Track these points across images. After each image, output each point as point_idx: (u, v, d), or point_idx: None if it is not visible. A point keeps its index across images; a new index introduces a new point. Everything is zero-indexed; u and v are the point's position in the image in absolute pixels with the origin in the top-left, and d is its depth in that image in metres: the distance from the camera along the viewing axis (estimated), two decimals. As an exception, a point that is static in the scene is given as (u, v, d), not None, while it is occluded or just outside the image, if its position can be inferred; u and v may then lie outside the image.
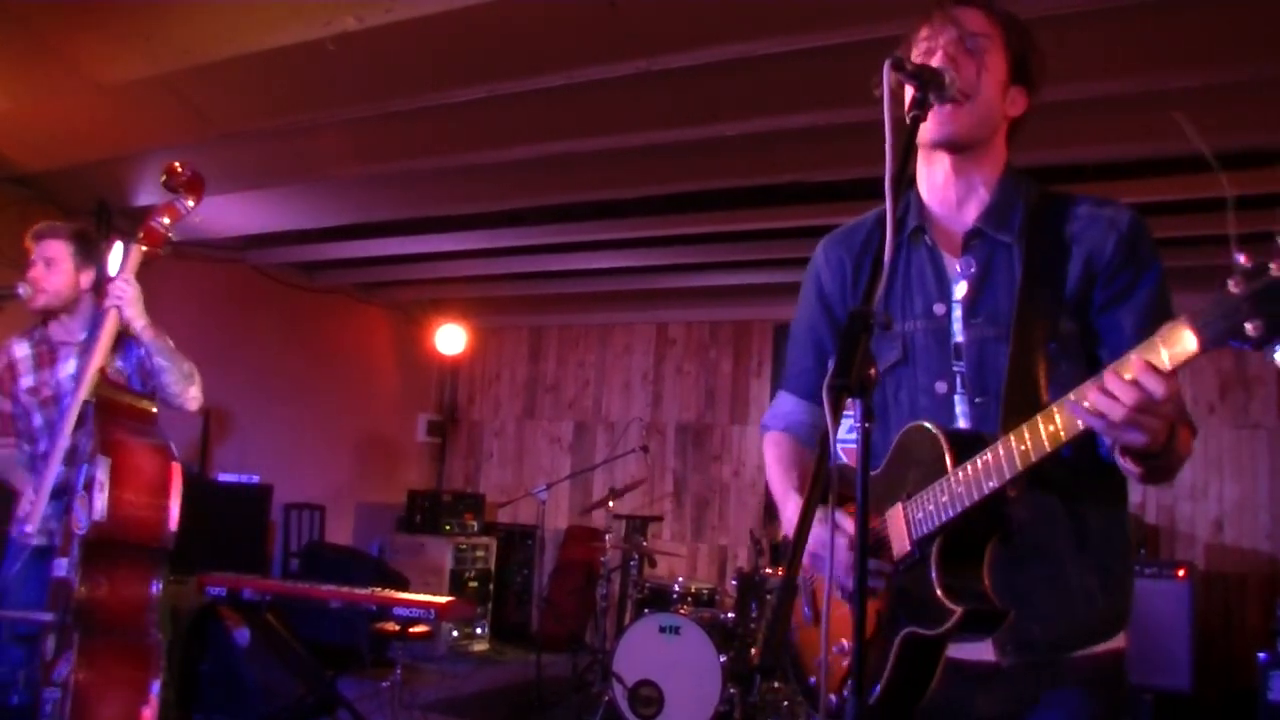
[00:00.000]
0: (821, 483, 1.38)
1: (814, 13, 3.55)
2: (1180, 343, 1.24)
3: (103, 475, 2.81)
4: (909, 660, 1.57)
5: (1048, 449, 1.40)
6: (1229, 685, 5.97)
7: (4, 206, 5.86)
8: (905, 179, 1.50)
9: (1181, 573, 5.67)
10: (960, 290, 1.69)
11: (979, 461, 1.48)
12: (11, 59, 4.29)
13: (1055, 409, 1.40)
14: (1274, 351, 1.14)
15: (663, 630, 5.29)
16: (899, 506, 1.60)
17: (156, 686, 2.83)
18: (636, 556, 6.14)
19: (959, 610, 1.49)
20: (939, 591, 1.52)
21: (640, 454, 7.38)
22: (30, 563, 3.03)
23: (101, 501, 2.79)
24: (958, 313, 1.69)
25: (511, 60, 4.01)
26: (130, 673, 2.82)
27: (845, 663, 1.66)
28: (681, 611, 5.44)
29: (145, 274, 3.19)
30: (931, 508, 1.54)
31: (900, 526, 1.60)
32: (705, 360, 8.59)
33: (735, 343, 8.48)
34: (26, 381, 3.28)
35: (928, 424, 1.59)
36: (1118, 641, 1.65)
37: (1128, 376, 1.28)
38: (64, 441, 2.93)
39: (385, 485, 8.85)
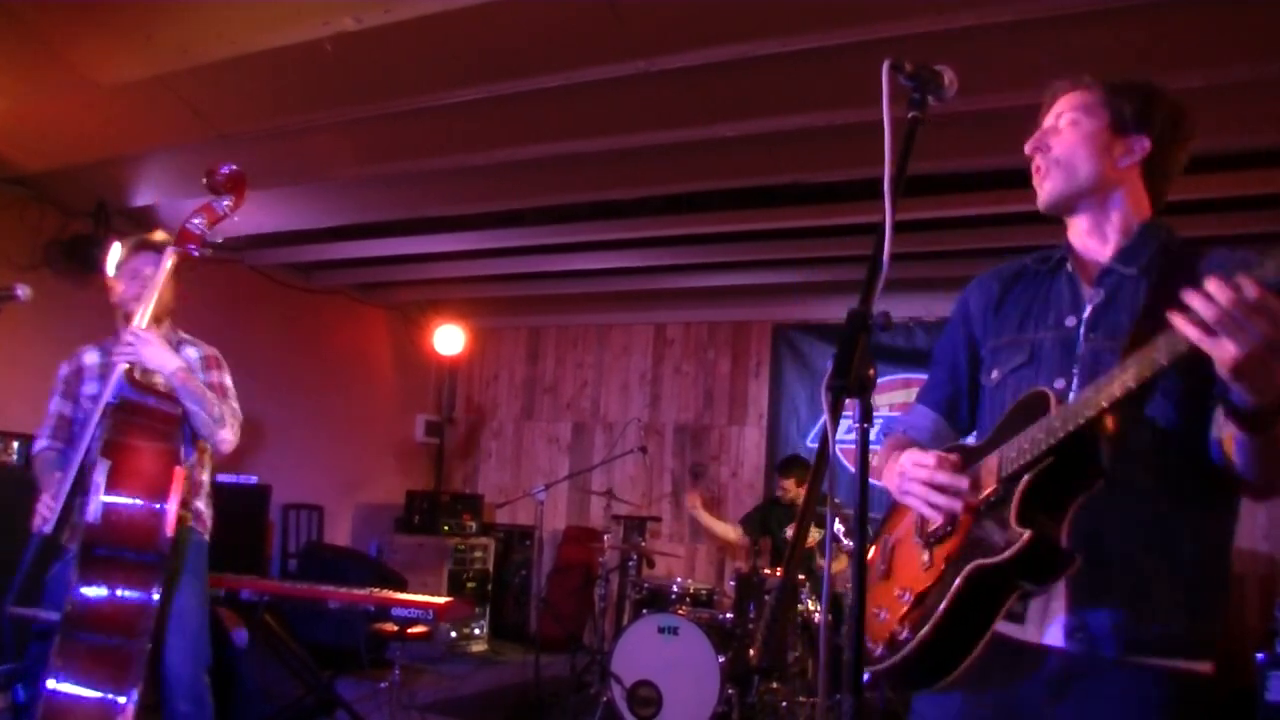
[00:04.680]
0: (821, 477, 1.39)
1: (813, 13, 3.55)
2: None
3: (99, 478, 2.79)
4: (969, 598, 1.57)
5: (1148, 374, 1.41)
6: (1227, 686, 5.97)
7: (3, 207, 5.86)
8: (903, 180, 1.50)
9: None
10: (1088, 311, 1.76)
11: (1080, 396, 1.53)
12: (11, 59, 4.28)
13: (1158, 336, 1.41)
14: None
15: (661, 631, 5.29)
16: (995, 453, 1.65)
17: (134, 696, 2.77)
18: (635, 557, 6.14)
19: (1027, 533, 1.50)
20: (1012, 518, 1.54)
21: (639, 454, 7.38)
22: (65, 564, 3.04)
23: (95, 504, 2.77)
24: (1084, 329, 1.75)
25: (510, 60, 4.01)
26: (105, 679, 2.76)
27: (902, 611, 1.69)
28: (680, 612, 5.44)
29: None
30: (1026, 444, 1.57)
31: (992, 468, 1.64)
32: (703, 361, 8.59)
33: (734, 343, 8.48)
34: (90, 389, 3.29)
35: (1043, 387, 1.65)
36: (1203, 665, 1.62)
37: (1225, 280, 1.31)
38: (85, 444, 2.92)
39: (383, 486, 8.85)
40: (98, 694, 2.75)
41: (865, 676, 1.60)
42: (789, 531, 6.06)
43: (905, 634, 1.63)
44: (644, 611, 5.63)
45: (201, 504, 3.42)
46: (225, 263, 7.41)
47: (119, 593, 2.83)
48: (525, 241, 6.73)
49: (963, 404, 1.92)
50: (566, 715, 5.68)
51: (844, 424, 1.40)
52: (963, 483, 1.65)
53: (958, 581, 1.56)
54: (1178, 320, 1.34)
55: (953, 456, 1.70)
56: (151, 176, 5.71)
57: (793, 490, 6.36)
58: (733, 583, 5.78)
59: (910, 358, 7.42)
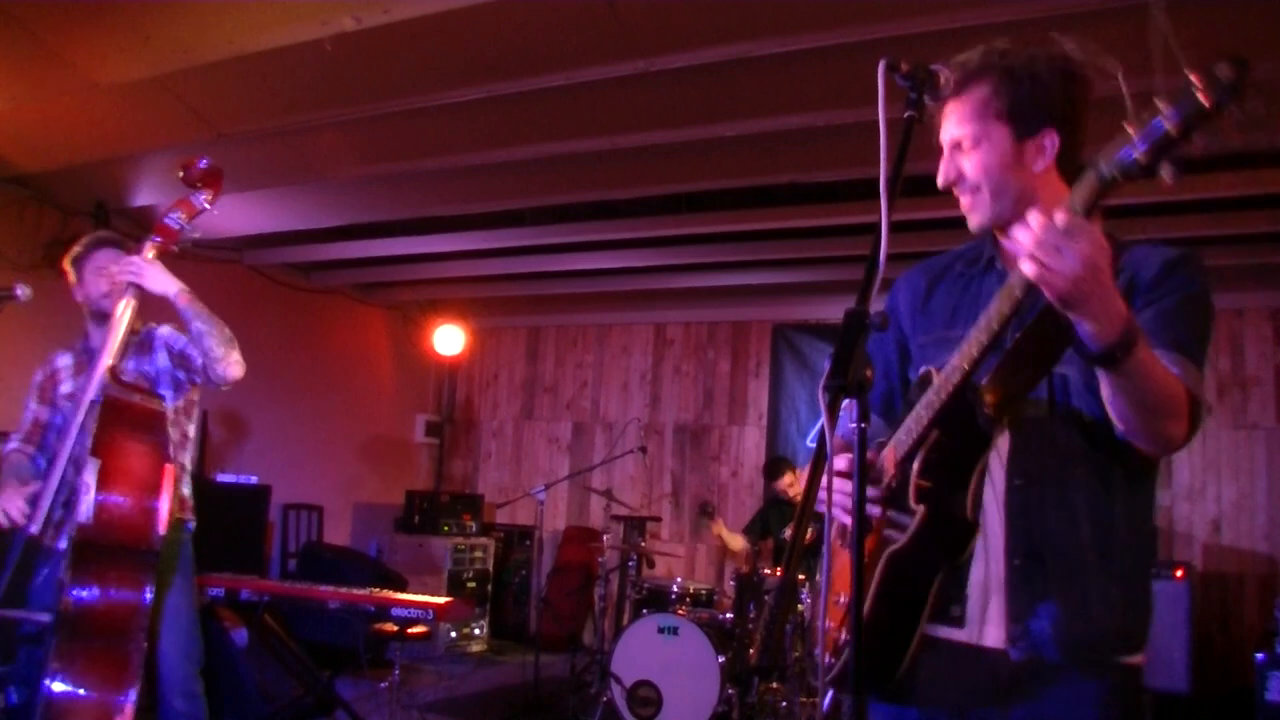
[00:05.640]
0: (819, 477, 1.40)
1: (812, 13, 3.55)
2: (1082, 182, 1.39)
3: (90, 477, 2.78)
4: (892, 587, 1.60)
5: (995, 328, 1.49)
6: (1227, 686, 5.98)
7: (3, 207, 5.87)
8: (900, 181, 1.50)
9: (1179, 573, 5.68)
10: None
11: (947, 365, 1.57)
12: (10, 59, 4.29)
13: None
14: (1161, 171, 1.34)
15: (661, 631, 5.29)
16: (893, 437, 1.67)
17: (133, 695, 2.76)
18: (635, 557, 6.14)
19: (920, 508, 1.55)
20: (910, 498, 1.58)
21: (638, 454, 7.38)
22: (54, 565, 3.04)
23: (87, 504, 2.76)
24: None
25: (510, 60, 4.01)
26: (104, 680, 2.75)
27: (841, 615, 1.72)
28: (680, 612, 5.44)
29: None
30: (912, 424, 1.62)
31: (889, 455, 1.67)
32: (703, 361, 8.59)
33: (733, 343, 8.49)
34: (66, 388, 3.31)
35: (931, 367, 1.67)
36: (1136, 658, 1.65)
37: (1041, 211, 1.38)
38: (70, 444, 2.92)
39: (383, 486, 8.85)
40: (98, 694, 2.74)
41: (828, 696, 1.63)
42: (788, 531, 6.07)
43: (845, 636, 1.64)
44: (644, 611, 5.63)
45: (186, 490, 3.40)
46: (225, 263, 7.42)
47: (113, 592, 2.82)
48: (525, 241, 6.73)
49: (896, 401, 1.90)
50: (566, 715, 5.68)
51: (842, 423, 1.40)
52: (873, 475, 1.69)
53: (878, 573, 1.60)
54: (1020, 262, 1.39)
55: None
56: (151, 176, 5.71)
57: (795, 485, 6.37)
58: (733, 583, 5.78)
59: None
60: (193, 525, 3.40)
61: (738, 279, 7.39)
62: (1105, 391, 1.50)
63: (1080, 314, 1.39)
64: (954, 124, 1.70)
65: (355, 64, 4.02)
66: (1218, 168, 4.67)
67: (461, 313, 9.07)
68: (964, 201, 1.72)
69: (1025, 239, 1.35)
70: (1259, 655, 5.19)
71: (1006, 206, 1.68)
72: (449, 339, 8.90)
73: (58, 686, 2.69)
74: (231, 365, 3.22)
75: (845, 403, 1.36)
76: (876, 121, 1.45)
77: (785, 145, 4.73)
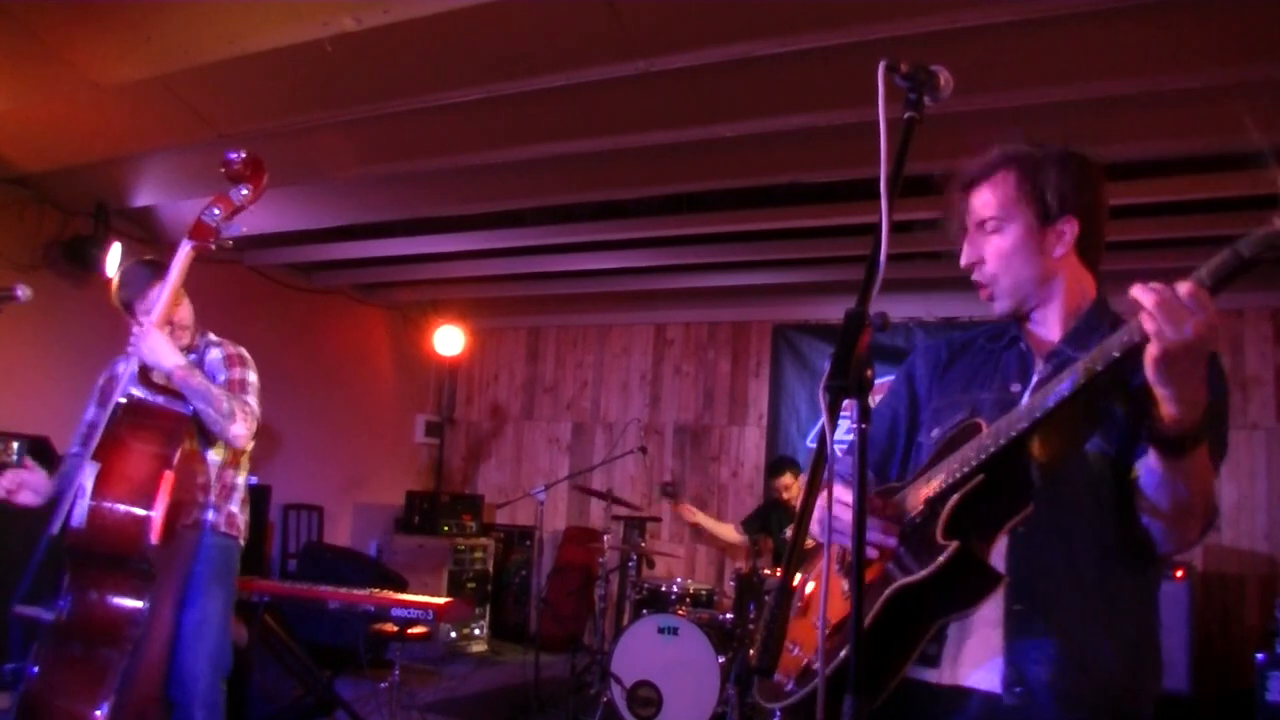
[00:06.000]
0: (819, 483, 1.38)
1: (813, 13, 3.55)
2: (1217, 258, 1.32)
3: (87, 482, 2.74)
4: (888, 623, 1.54)
5: (1081, 379, 1.43)
6: (1227, 686, 5.97)
7: (3, 207, 5.86)
8: (900, 181, 1.50)
9: (1180, 574, 5.67)
10: (1033, 383, 1.74)
11: (1010, 414, 1.53)
12: (11, 59, 4.28)
13: (1109, 337, 1.43)
14: None
15: (661, 631, 5.29)
16: (923, 478, 1.64)
17: (105, 708, 2.67)
18: (635, 557, 6.14)
19: (954, 543, 1.49)
20: (939, 532, 1.53)
21: (638, 455, 7.37)
22: None
23: (81, 508, 2.73)
24: (1026, 396, 1.72)
25: (510, 61, 4.01)
26: (79, 689, 2.69)
27: (818, 643, 1.64)
28: (680, 612, 5.44)
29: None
30: (956, 464, 1.58)
31: (919, 492, 1.63)
32: (703, 361, 8.59)
33: (734, 343, 8.48)
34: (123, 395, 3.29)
35: (979, 419, 1.64)
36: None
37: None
38: (94, 445, 2.88)
39: (383, 486, 8.84)
40: (70, 703, 2.68)
41: (776, 715, 1.57)
42: (789, 532, 6.06)
43: (819, 664, 1.51)
44: (644, 612, 5.63)
45: (234, 507, 3.36)
46: (225, 263, 7.41)
47: (102, 600, 2.77)
48: (526, 242, 6.73)
49: (893, 463, 1.89)
50: (566, 715, 5.68)
51: (843, 424, 1.39)
52: (890, 511, 1.66)
53: (878, 604, 1.53)
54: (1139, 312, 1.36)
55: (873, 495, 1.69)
56: (151, 177, 5.72)
57: (794, 487, 6.36)
58: (733, 583, 5.78)
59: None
60: (239, 540, 3.36)
61: (738, 279, 7.39)
62: (1156, 478, 1.48)
63: (1172, 391, 1.37)
64: (981, 206, 1.76)
65: (355, 64, 4.01)
66: (1218, 168, 4.68)
67: (462, 313, 9.06)
68: (983, 289, 1.78)
69: (1148, 300, 1.33)
70: (1259, 655, 5.19)
71: (1027, 292, 1.75)
72: (449, 339, 8.89)
73: (35, 688, 2.66)
74: (233, 439, 3.16)
75: (846, 403, 1.36)
76: (876, 121, 1.45)
77: (785, 145, 4.73)
